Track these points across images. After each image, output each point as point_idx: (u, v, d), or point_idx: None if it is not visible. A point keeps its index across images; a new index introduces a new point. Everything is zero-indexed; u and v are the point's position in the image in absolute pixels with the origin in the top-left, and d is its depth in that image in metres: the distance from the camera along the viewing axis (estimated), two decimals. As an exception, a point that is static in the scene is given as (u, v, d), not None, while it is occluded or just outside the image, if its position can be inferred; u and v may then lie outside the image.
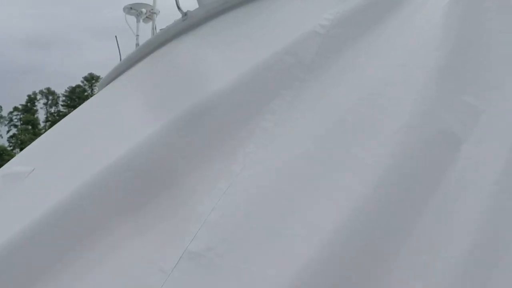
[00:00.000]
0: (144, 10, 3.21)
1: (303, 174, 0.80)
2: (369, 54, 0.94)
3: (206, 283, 0.72)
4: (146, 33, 3.31)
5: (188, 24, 1.94)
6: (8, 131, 44.42)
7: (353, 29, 0.98)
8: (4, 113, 44.96)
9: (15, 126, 44.81)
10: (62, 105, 45.64)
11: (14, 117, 45.48)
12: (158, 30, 3.00)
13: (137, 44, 3.18)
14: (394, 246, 0.74)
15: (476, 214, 0.77)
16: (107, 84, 2.54)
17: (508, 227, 0.76)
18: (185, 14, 1.99)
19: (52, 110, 46.74)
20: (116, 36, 3.96)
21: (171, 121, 0.92)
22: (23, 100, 45.73)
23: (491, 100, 0.87)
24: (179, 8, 2.08)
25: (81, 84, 44.41)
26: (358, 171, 0.78)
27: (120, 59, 3.16)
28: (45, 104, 47.24)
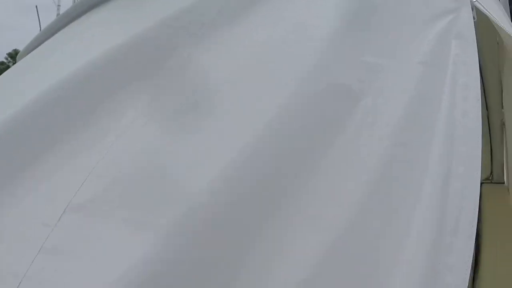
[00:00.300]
0: (65, -21, 3.07)
1: (190, 124, 0.82)
2: (271, 14, 0.97)
3: (90, 234, 0.73)
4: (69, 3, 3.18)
5: (109, -8, 1.90)
6: None
7: None
8: None
9: None
10: (-16, 84, 42.61)
11: None
12: (79, 0, 2.89)
13: (57, 15, 3.05)
14: (283, 195, 0.77)
15: (372, 165, 0.81)
16: (25, 56, 2.43)
17: (403, 178, 0.82)
18: (105, -18, 1.95)
19: (-26, 89, 43.56)
20: (36, 6, 3.77)
21: (65, 78, 0.91)
22: None
23: (391, 59, 0.92)
24: (99, -25, 2.03)
25: (5, 61, 41.65)
26: (246, 120, 0.81)
27: (40, 30, 3.01)
28: (-35, 82, 43.89)
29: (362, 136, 0.82)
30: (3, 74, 2.05)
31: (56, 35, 2.05)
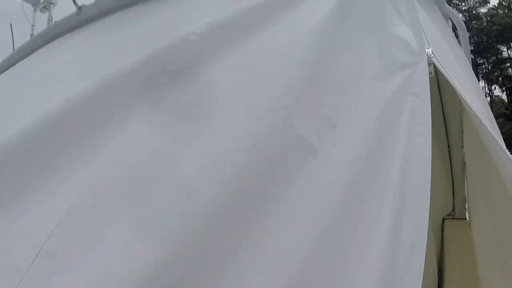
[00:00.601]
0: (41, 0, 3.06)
1: (156, 171, 0.83)
2: (236, 63, 0.99)
3: (61, 283, 0.74)
4: (43, 23, 3.16)
5: (82, 19, 1.91)
6: None
7: (225, 37, 1.02)
8: None
9: None
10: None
11: None
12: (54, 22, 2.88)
13: (31, 35, 3.03)
14: (238, 244, 0.79)
15: (324, 214, 0.84)
16: (-3, 75, 2.41)
17: (357, 222, 0.85)
18: (79, 8, 1.96)
19: None
20: (11, 24, 3.73)
21: (35, 120, 0.91)
22: None
23: (348, 113, 0.95)
24: (74, 1, 2.04)
25: (-24, 71, 40.75)
26: (203, 167, 0.83)
27: (14, 49, 2.98)
28: None
29: (317, 185, 0.84)
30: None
31: (30, 58, 2.04)
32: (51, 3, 3.06)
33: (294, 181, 0.83)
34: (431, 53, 1.03)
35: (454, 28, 1.90)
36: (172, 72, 0.96)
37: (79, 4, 2.01)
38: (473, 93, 1.21)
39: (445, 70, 1.03)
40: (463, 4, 47.71)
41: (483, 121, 0.97)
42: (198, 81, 0.94)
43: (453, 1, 47.38)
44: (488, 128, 0.98)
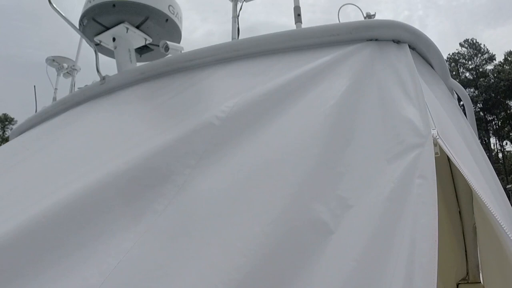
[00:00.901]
0: (65, 65, 3.23)
1: (182, 252, 0.88)
2: (256, 149, 1.05)
3: None
4: (65, 86, 3.32)
5: (105, 88, 2.01)
6: None
7: (246, 121, 1.10)
8: None
9: None
10: (-32, 145, 42.04)
11: None
12: (76, 88, 3.03)
13: (54, 98, 3.17)
14: None
15: None
16: (18, 134, 2.51)
17: None
18: (103, 78, 2.07)
19: (-44, 150, 42.93)
20: (34, 86, 3.90)
21: (67, 197, 0.96)
22: None
23: (360, 194, 0.99)
24: (98, 71, 2.17)
25: (-7, 123, 41.77)
26: (227, 251, 0.87)
27: (36, 111, 3.12)
28: (-51, 143, 43.56)
29: (332, 262, 0.88)
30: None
31: (53, 125, 2.13)
32: (75, 69, 3.23)
33: (311, 260, 0.87)
34: (436, 134, 1.08)
35: (459, 100, 1.97)
36: (199, 154, 1.03)
37: (103, 73, 2.13)
38: (478, 171, 1.25)
39: (450, 152, 1.07)
40: (469, 62, 48.63)
41: (487, 205, 1.01)
42: (222, 165, 1.00)
43: (460, 61, 48.40)
44: (493, 212, 1.01)
